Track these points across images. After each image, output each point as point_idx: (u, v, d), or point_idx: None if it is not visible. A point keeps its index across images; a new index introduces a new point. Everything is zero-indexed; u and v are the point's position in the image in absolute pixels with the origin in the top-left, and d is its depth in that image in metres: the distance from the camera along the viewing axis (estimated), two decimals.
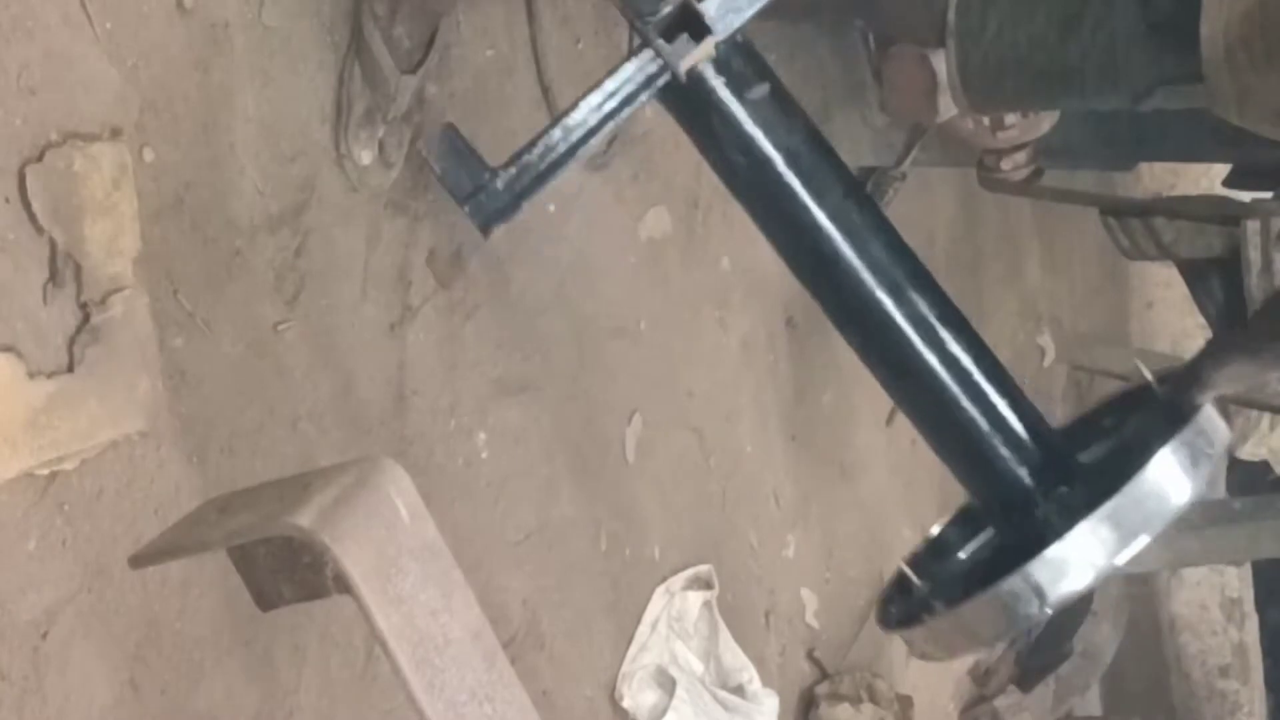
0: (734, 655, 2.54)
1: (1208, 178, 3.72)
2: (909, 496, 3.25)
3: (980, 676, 3.63)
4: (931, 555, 1.46)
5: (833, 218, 1.34)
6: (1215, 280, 2.85)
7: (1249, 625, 4.45)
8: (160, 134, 1.51)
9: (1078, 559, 1.26)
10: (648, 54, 1.25)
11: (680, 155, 2.38)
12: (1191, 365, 1.31)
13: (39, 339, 1.39)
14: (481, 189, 1.29)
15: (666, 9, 1.25)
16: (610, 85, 1.27)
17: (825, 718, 2.84)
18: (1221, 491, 4.45)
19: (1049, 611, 1.26)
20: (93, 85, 1.44)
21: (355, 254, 1.78)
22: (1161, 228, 2.88)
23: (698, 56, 1.26)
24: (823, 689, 2.88)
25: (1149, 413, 1.36)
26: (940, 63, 2.46)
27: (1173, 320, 4.41)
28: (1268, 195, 2.78)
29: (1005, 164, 2.65)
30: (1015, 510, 1.36)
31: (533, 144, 1.28)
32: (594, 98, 1.26)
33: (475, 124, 1.90)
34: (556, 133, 1.27)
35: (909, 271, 1.37)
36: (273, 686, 1.67)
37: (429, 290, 1.90)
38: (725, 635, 2.52)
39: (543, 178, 1.30)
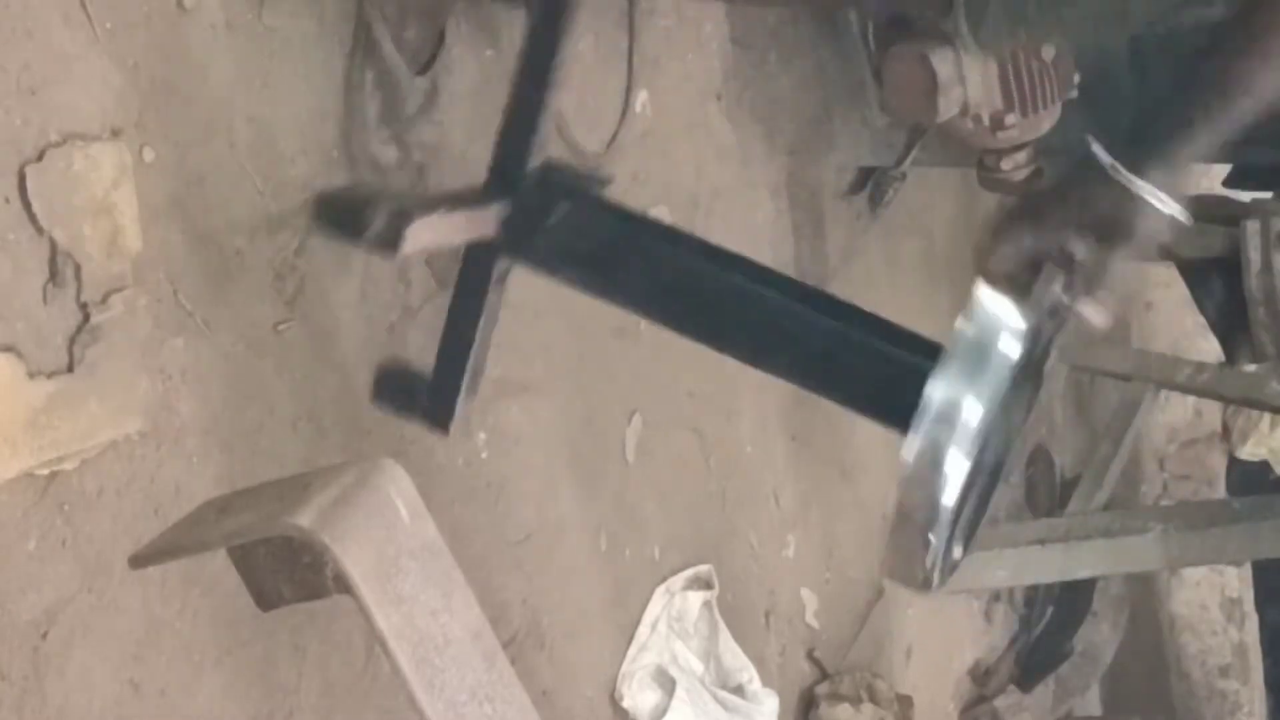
0: (734, 655, 2.54)
1: (1208, 178, 3.72)
2: None
3: (980, 676, 3.63)
4: None
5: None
6: (1215, 280, 2.85)
7: (1249, 625, 4.45)
8: (160, 134, 1.51)
9: None
10: None
11: (680, 155, 2.38)
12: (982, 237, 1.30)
13: (39, 339, 1.39)
14: (426, 402, 1.53)
15: None
16: None
17: (825, 718, 2.84)
18: (1221, 491, 4.46)
19: None
20: (93, 85, 1.44)
21: (355, 254, 1.78)
22: None
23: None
24: (823, 689, 2.88)
25: None
26: (940, 63, 2.46)
27: (1173, 320, 4.41)
28: (1268, 195, 2.78)
29: (1005, 164, 2.65)
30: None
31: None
32: None
33: (475, 124, 1.90)
34: None
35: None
36: (273, 686, 1.67)
37: (429, 290, 1.90)
38: (725, 635, 2.52)
39: (472, 387, 1.61)
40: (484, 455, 2.01)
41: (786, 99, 2.65)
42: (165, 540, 1.40)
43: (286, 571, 1.33)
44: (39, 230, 1.38)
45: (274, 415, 1.67)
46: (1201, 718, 4.49)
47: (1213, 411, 4.45)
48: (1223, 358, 3.21)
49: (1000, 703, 3.56)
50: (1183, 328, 4.36)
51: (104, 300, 1.44)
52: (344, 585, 1.28)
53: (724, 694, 2.46)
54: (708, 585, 2.49)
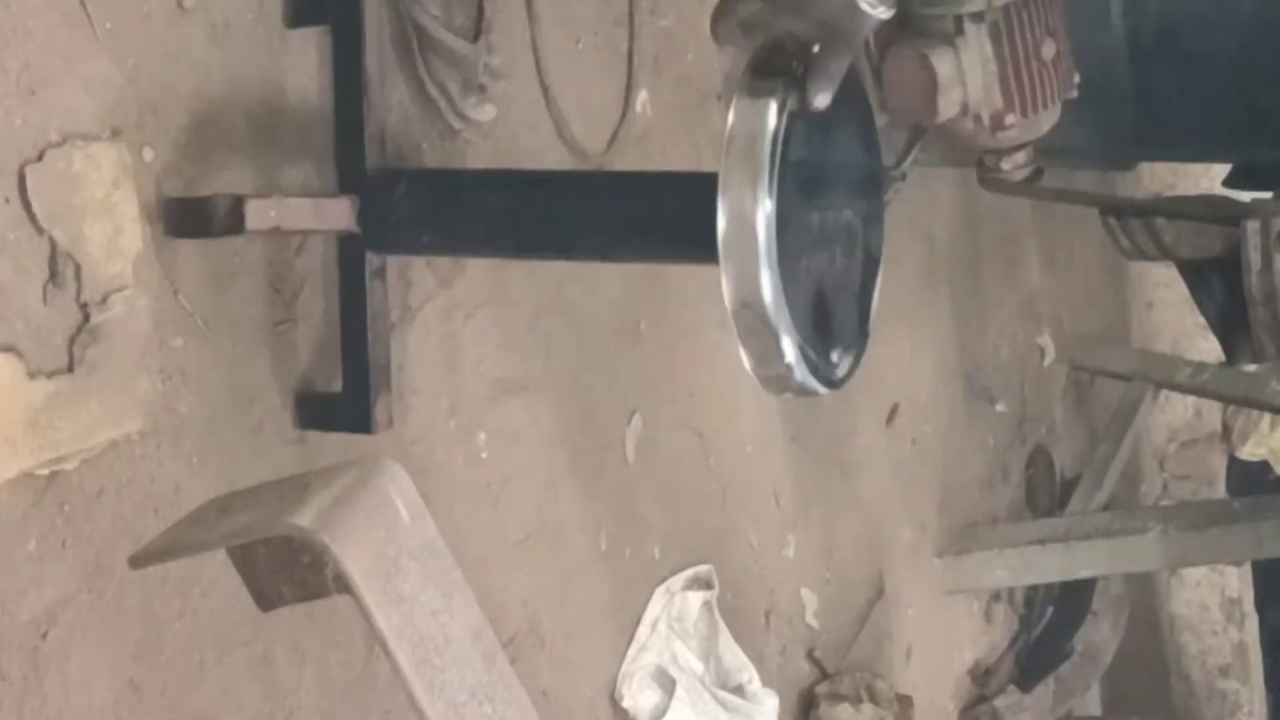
0: (734, 655, 2.54)
1: (1208, 178, 3.72)
2: (909, 496, 3.25)
3: (980, 676, 3.63)
4: None
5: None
6: (1215, 280, 2.85)
7: (1249, 625, 4.45)
8: (160, 134, 1.51)
9: None
10: None
11: (680, 155, 2.38)
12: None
13: (39, 339, 1.39)
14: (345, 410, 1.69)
15: None
16: None
17: (825, 718, 2.84)
18: (1221, 491, 4.45)
19: None
20: (93, 85, 1.44)
21: None
22: (1161, 228, 2.88)
23: None
24: (823, 689, 2.88)
25: None
26: (940, 63, 2.46)
27: (1173, 320, 4.41)
28: (1268, 195, 2.78)
29: (1005, 164, 2.65)
30: None
31: None
32: None
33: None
34: None
35: None
36: (273, 686, 1.67)
37: (429, 290, 1.90)
38: (725, 635, 2.52)
39: (381, 383, 1.70)
40: (484, 455, 2.01)
41: None
42: (165, 540, 1.40)
43: (286, 571, 1.33)
44: (39, 230, 1.38)
45: (274, 415, 1.67)
46: (1201, 718, 4.49)
47: (1213, 411, 4.44)
48: (1223, 358, 3.21)
49: (1000, 703, 3.55)
50: (1183, 328, 4.36)
51: (104, 300, 1.44)
52: (344, 585, 1.27)
53: (724, 694, 2.46)
54: (708, 585, 2.49)
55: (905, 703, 3.03)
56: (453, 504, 1.94)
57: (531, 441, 2.11)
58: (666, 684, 2.33)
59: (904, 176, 2.97)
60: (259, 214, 1.55)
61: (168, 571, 1.51)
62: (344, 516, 1.29)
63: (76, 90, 1.42)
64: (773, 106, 1.39)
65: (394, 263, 1.78)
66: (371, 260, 1.69)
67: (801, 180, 1.43)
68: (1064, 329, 4.00)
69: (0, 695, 1.36)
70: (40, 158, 1.38)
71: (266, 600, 1.37)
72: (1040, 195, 3.04)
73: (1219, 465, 4.48)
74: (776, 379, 1.46)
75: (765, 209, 1.39)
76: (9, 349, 1.36)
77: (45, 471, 1.40)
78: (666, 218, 1.57)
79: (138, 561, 1.41)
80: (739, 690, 2.51)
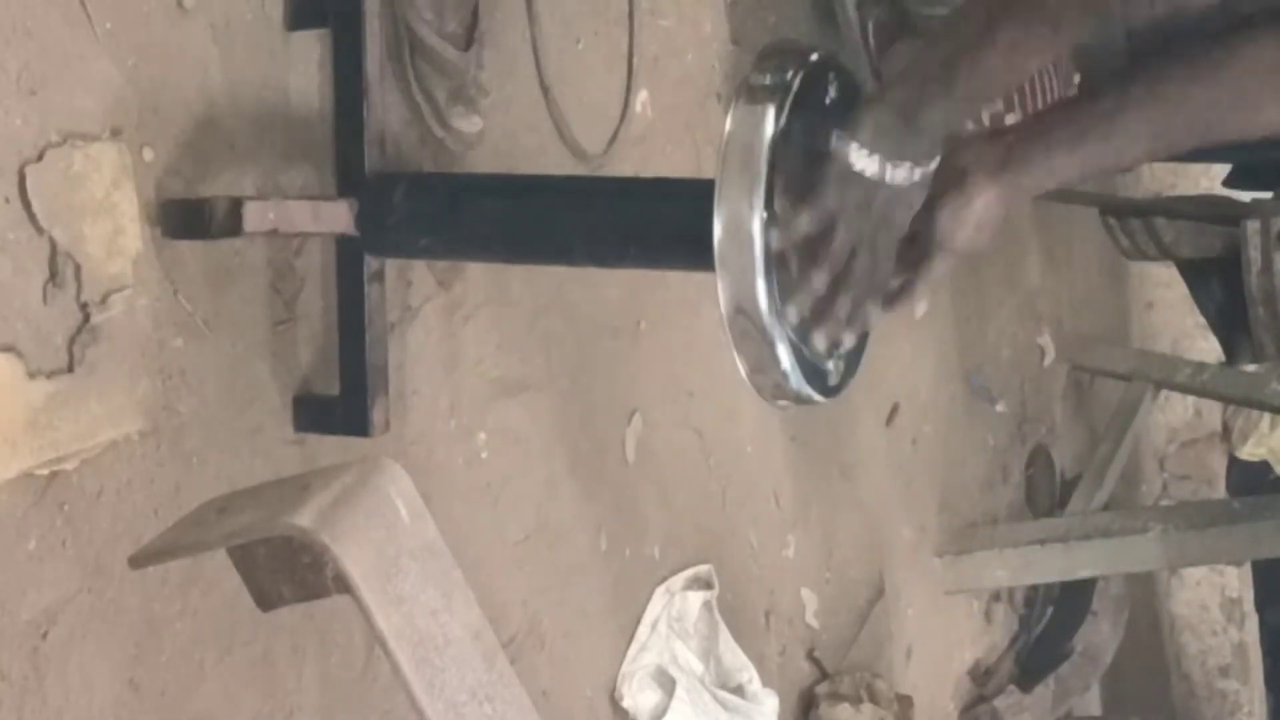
0: (734, 655, 2.54)
1: (1208, 178, 3.72)
2: (909, 496, 3.25)
3: (980, 676, 3.63)
4: None
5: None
6: (1215, 280, 2.85)
7: (1249, 625, 4.45)
8: (160, 134, 1.51)
9: None
10: None
11: (680, 155, 2.38)
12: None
13: (39, 339, 1.39)
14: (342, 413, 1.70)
15: None
16: None
17: (825, 718, 2.84)
18: (1221, 491, 4.46)
19: None
20: (93, 85, 1.44)
21: None
22: (1161, 228, 2.88)
23: None
24: (823, 689, 2.88)
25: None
26: None
27: (1173, 320, 4.42)
28: (1268, 195, 2.79)
29: None
30: None
31: None
32: None
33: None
34: None
35: None
36: (273, 686, 1.67)
37: (429, 290, 1.90)
38: (725, 635, 2.52)
39: (378, 386, 1.73)
40: (484, 455, 2.01)
41: None
42: (165, 540, 1.40)
43: (286, 571, 1.33)
44: (39, 230, 1.38)
45: (274, 415, 1.67)
46: (1201, 718, 4.49)
47: (1213, 411, 4.45)
48: (1223, 358, 3.21)
49: (1000, 703, 3.56)
50: (1183, 328, 4.37)
51: (104, 300, 1.44)
52: (344, 585, 1.27)
53: (724, 694, 2.46)
54: (708, 585, 2.49)
55: (905, 703, 3.03)
56: (453, 504, 1.94)
57: (531, 441, 2.11)
58: (666, 684, 2.33)
59: None
60: (257, 216, 1.55)
61: (168, 571, 1.51)
62: (344, 516, 1.29)
63: (76, 90, 1.42)
64: (770, 113, 1.40)
65: (393, 263, 1.78)
66: (370, 263, 1.69)
67: (799, 184, 1.42)
68: (1064, 329, 4.00)
69: (0, 695, 1.36)
70: (40, 158, 1.38)
71: (266, 600, 1.37)
72: (1040, 195, 3.03)
73: (1219, 465, 4.49)
74: (773, 386, 1.46)
75: (761, 217, 1.39)
76: (9, 349, 1.36)
77: (45, 471, 1.40)
78: (663, 225, 1.57)
79: (138, 561, 1.41)
80: (739, 690, 2.51)
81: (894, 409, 3.16)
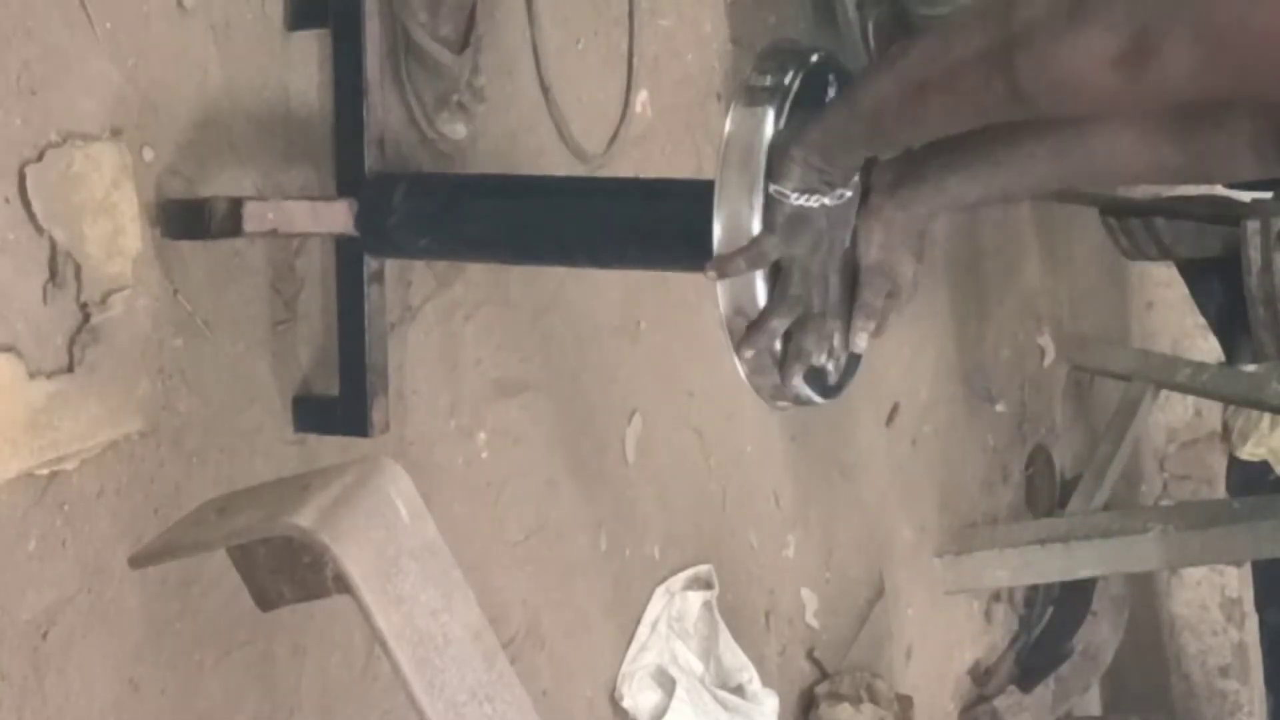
0: (734, 655, 2.54)
1: None
2: (909, 496, 3.25)
3: (980, 676, 3.63)
4: None
5: None
6: (1215, 280, 2.85)
7: (1249, 625, 4.45)
8: (160, 134, 1.51)
9: None
10: None
11: (680, 155, 2.38)
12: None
13: (39, 339, 1.39)
14: (342, 413, 1.68)
15: None
16: None
17: (825, 718, 2.84)
18: (1221, 491, 4.45)
19: None
20: (93, 85, 1.44)
21: None
22: (1161, 228, 2.88)
23: None
24: (823, 689, 2.88)
25: None
26: None
27: (1173, 320, 4.41)
28: (1268, 195, 2.78)
29: None
30: None
31: None
32: None
33: (475, 124, 1.91)
34: None
35: None
36: (273, 686, 1.67)
37: (429, 290, 1.90)
38: (725, 635, 2.52)
39: (378, 386, 1.72)
40: (484, 455, 2.01)
41: None
42: (165, 540, 1.40)
43: (286, 571, 1.33)
44: (39, 230, 1.38)
45: (274, 415, 1.67)
46: (1201, 718, 4.49)
47: (1213, 411, 4.45)
48: (1223, 358, 3.21)
49: (1000, 703, 3.55)
50: (1183, 328, 4.36)
51: (104, 300, 1.44)
52: (344, 585, 1.28)
53: (724, 694, 2.46)
54: (708, 585, 2.49)
55: (905, 703, 3.03)
56: (453, 504, 1.94)
57: (531, 441, 2.11)
58: (666, 684, 2.33)
59: None
60: (256, 216, 1.55)
61: (168, 571, 1.51)
62: (344, 516, 1.29)
63: (76, 90, 1.42)
64: (770, 114, 1.40)
65: (393, 263, 1.78)
66: (369, 264, 1.69)
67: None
68: (1064, 329, 4.00)
69: (0, 695, 1.36)
70: (40, 158, 1.38)
71: (266, 600, 1.37)
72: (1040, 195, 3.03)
73: (1219, 465, 4.48)
74: (772, 388, 1.46)
75: (760, 219, 1.39)
76: (9, 349, 1.36)
77: (45, 471, 1.40)
78: (663, 225, 1.57)
79: (138, 561, 1.41)
80: (739, 690, 2.51)
81: (894, 409, 3.16)
